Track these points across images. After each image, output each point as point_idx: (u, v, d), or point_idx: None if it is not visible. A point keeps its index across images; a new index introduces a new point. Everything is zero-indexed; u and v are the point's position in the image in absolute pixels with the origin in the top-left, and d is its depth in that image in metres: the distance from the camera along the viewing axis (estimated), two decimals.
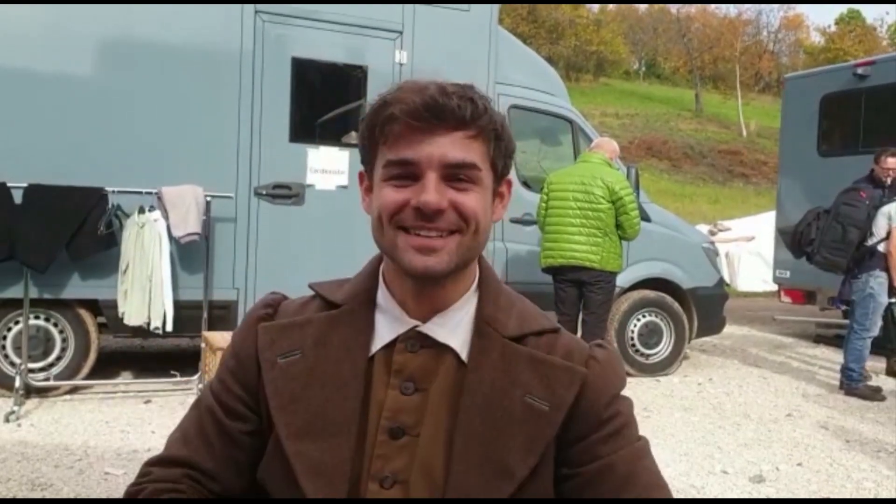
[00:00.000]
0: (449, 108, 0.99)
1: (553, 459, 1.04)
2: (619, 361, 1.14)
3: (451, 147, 1.00)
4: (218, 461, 1.09)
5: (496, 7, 6.05)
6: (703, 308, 6.93)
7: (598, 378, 1.07)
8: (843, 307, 7.08)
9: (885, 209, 5.87)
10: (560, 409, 1.03)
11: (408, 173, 1.01)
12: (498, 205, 1.11)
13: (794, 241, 6.48)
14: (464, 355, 1.06)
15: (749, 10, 54.19)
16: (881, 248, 5.84)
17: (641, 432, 1.11)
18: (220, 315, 5.34)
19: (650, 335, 6.71)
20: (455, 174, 1.01)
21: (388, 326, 1.08)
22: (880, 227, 5.85)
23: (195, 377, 5.16)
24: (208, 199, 5.13)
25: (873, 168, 6.12)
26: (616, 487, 1.03)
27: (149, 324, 4.99)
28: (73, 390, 5.25)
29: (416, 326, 1.06)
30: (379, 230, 1.04)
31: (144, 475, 1.10)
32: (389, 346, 1.07)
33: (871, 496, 3.95)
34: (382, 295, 1.10)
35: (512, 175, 6.09)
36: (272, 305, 1.15)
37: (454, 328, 1.07)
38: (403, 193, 1.01)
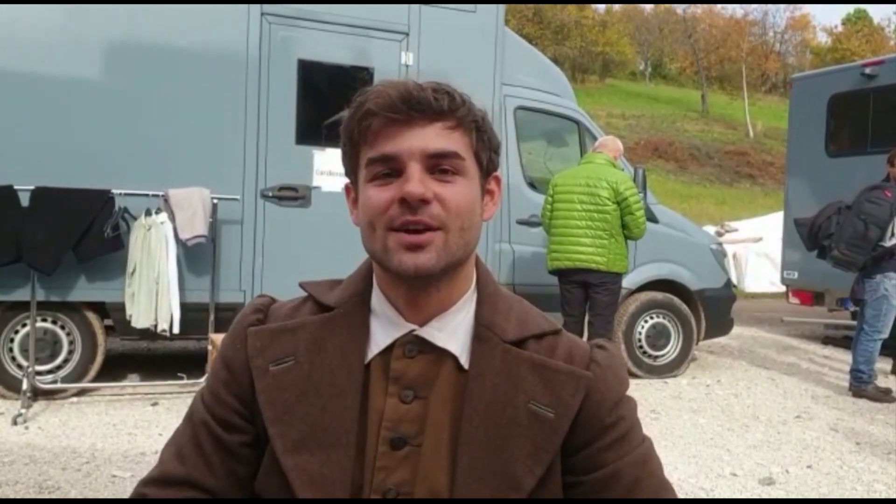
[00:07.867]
0: (425, 100, 0.98)
1: (559, 467, 1.01)
2: (621, 362, 1.09)
3: (432, 137, 0.98)
4: (218, 477, 1.03)
5: (502, 8, 6.03)
6: (710, 309, 6.90)
7: (601, 382, 1.03)
8: (853, 308, 7.02)
9: None
10: (566, 416, 1.00)
11: (390, 169, 0.99)
12: (488, 202, 1.07)
13: (811, 233, 6.37)
14: (463, 361, 1.02)
15: (755, 10, 54.12)
16: None
17: (649, 434, 1.09)
18: (227, 317, 5.31)
19: (658, 337, 6.68)
20: (438, 164, 0.98)
21: (383, 331, 1.04)
22: None
23: (202, 379, 5.15)
24: (215, 201, 5.13)
25: (889, 171, 6.05)
26: (622, 495, 1.01)
27: (156, 326, 5.00)
28: (81, 393, 5.25)
29: (414, 331, 1.02)
30: (370, 236, 1.00)
31: (140, 497, 1.04)
32: (386, 352, 1.03)
33: (883, 498, 3.92)
34: (377, 298, 1.06)
35: (517, 175, 6.04)
36: (262, 310, 1.10)
37: (453, 332, 1.03)
38: (388, 191, 0.98)
